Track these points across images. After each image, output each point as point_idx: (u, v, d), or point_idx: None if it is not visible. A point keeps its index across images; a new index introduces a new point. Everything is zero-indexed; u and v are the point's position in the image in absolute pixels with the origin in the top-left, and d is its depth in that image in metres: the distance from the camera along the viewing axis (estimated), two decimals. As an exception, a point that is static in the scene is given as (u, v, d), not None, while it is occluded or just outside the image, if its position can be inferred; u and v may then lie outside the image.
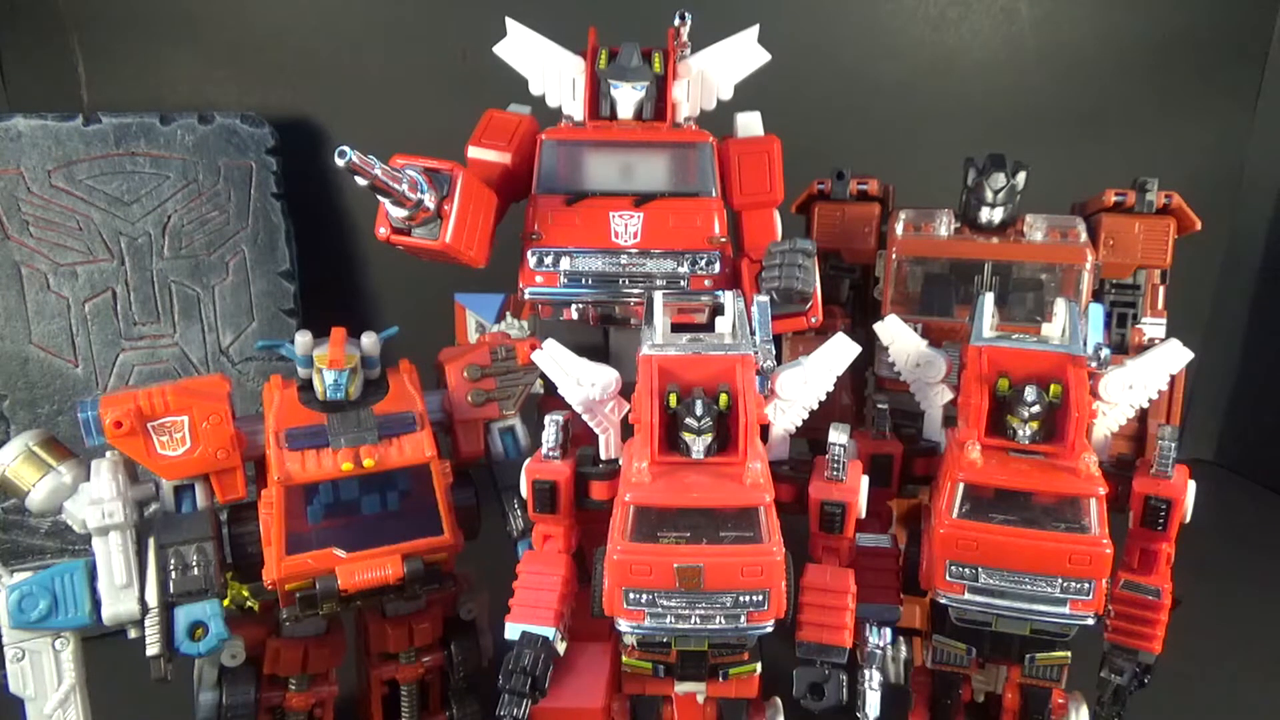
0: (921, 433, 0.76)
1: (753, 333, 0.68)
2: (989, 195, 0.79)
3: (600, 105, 0.81)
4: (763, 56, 0.83)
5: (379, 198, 0.67)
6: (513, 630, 0.65)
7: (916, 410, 0.76)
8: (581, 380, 0.67)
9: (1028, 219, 0.83)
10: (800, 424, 0.70)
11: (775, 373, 0.68)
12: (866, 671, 0.66)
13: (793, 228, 0.86)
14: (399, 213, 0.68)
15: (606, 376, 0.67)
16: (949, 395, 0.73)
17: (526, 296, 0.80)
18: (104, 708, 0.79)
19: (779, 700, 0.73)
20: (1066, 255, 0.80)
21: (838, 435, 0.66)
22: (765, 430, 0.68)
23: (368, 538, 0.68)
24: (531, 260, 0.78)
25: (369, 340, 0.68)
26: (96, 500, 0.66)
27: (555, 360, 0.68)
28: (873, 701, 0.65)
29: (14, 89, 1.27)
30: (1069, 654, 0.68)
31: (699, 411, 0.62)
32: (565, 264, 0.78)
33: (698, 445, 0.63)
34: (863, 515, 0.67)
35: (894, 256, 0.82)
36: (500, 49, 0.84)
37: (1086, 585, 0.63)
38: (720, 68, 0.82)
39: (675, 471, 0.63)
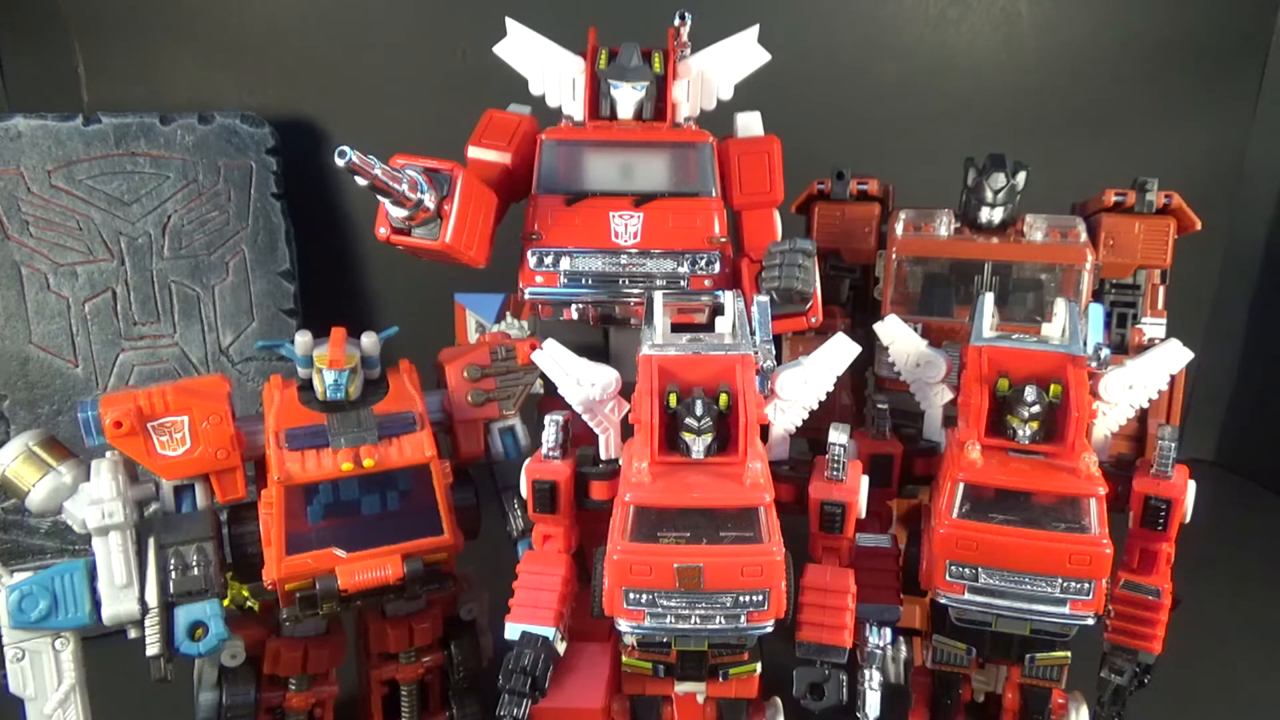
0: (921, 433, 0.76)
1: (752, 333, 0.68)
2: (989, 195, 0.79)
3: (600, 105, 0.81)
4: (763, 56, 0.83)
5: (379, 198, 0.67)
6: (513, 630, 0.65)
7: (916, 410, 0.76)
8: (581, 380, 0.67)
9: (1027, 219, 0.83)
10: (800, 424, 0.70)
11: (775, 373, 0.68)
12: (866, 671, 0.66)
13: (793, 228, 0.86)
14: (399, 213, 0.68)
15: (606, 376, 0.67)
16: (949, 395, 0.73)
17: (526, 296, 0.80)
18: (104, 708, 0.79)
19: (779, 700, 0.73)
20: (1066, 255, 0.80)
21: (838, 435, 0.66)
22: (765, 430, 0.68)
23: (368, 537, 0.68)
24: (531, 260, 0.78)
25: (369, 340, 0.68)
26: (96, 500, 0.66)
27: (555, 360, 0.68)
28: (873, 701, 0.65)
29: (14, 89, 1.27)
30: (1069, 654, 0.68)
31: (699, 411, 0.62)
32: (565, 264, 0.78)
33: (698, 445, 0.63)
34: (863, 515, 0.67)
35: (894, 256, 0.82)
36: (500, 49, 0.84)
37: (1086, 585, 0.63)
38: (720, 68, 0.82)
39: (675, 471, 0.63)
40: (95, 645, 0.99)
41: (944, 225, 0.83)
